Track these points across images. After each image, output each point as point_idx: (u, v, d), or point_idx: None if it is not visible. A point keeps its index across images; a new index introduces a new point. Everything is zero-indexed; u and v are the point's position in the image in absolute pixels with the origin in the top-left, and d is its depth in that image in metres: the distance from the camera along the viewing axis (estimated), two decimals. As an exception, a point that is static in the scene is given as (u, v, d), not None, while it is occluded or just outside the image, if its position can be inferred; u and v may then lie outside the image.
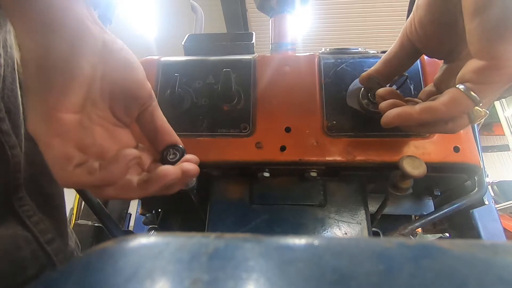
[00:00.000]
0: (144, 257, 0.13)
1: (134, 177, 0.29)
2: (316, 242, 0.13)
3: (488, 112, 0.32)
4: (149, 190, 0.29)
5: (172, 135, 0.34)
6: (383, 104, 0.37)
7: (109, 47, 0.28)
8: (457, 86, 0.31)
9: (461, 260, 0.12)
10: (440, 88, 0.38)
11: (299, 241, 0.13)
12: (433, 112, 0.32)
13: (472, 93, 0.30)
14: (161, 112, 0.34)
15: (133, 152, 0.28)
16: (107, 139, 0.30)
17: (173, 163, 0.32)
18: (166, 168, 0.29)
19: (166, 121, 0.34)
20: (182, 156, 0.33)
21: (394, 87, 0.42)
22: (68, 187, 0.27)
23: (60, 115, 0.25)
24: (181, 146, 0.34)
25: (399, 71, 0.41)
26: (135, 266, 0.12)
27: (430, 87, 0.40)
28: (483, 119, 0.33)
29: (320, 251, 0.13)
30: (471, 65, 0.30)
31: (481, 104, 0.30)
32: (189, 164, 0.31)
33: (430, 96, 0.38)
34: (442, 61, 0.39)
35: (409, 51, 0.39)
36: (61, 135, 0.25)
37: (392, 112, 0.35)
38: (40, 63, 0.25)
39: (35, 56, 0.25)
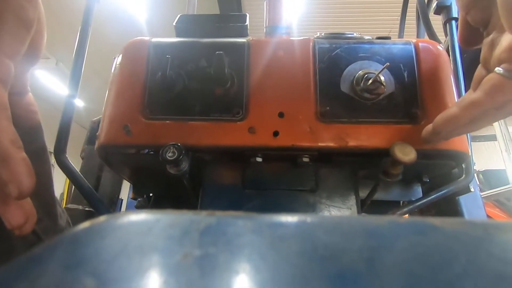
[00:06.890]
0: (133, 234, 0.13)
1: None
2: (308, 219, 0.13)
3: None
4: None
5: None
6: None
7: None
8: (495, 70, 0.28)
9: (452, 236, 0.12)
10: (487, 67, 0.33)
11: (291, 218, 0.13)
12: (478, 106, 0.29)
13: None
14: None
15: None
16: None
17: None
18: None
19: None
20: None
21: (382, 77, 0.42)
22: None
23: (6, 61, 0.26)
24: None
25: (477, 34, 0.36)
26: (123, 242, 0.12)
27: (479, 70, 0.35)
28: None
29: (312, 228, 0.13)
30: (505, 41, 0.27)
31: None
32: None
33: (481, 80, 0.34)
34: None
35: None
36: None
37: (439, 119, 0.33)
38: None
39: None
